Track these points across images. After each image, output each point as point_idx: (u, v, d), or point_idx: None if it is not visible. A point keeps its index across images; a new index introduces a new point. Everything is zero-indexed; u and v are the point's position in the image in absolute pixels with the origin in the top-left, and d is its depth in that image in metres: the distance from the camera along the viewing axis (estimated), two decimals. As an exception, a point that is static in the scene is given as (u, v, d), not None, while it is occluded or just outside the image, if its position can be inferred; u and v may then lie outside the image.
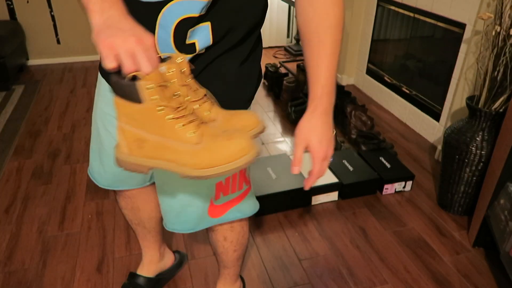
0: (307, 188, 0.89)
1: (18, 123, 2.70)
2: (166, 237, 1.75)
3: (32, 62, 3.76)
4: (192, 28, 0.76)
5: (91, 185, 2.08)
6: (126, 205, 1.27)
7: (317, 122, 0.84)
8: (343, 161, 2.13)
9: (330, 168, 2.07)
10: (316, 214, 1.90)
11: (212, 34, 0.77)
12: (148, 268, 1.46)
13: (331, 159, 0.89)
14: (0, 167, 2.23)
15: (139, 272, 1.46)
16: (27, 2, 3.52)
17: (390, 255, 1.68)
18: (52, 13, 3.62)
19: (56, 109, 2.90)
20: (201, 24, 0.76)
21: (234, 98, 0.90)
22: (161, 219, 1.29)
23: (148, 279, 1.45)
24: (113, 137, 0.99)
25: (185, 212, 1.02)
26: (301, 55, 3.99)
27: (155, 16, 0.74)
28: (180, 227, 1.05)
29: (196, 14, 0.74)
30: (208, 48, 0.81)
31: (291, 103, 2.72)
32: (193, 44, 0.77)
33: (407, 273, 1.60)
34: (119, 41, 0.60)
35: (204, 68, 0.84)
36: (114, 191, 1.25)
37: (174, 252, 1.59)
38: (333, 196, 1.99)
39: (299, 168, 0.84)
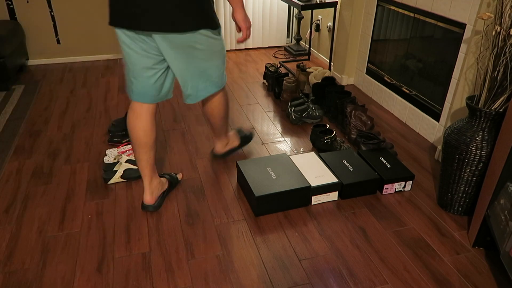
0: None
1: (18, 123, 2.70)
2: (165, 234, 1.75)
3: (32, 62, 3.76)
4: None
5: (91, 185, 2.08)
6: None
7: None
8: (343, 161, 2.13)
9: (330, 168, 2.07)
10: (316, 214, 1.91)
11: None
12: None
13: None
14: (0, 167, 2.23)
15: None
16: (27, 2, 3.52)
17: (390, 255, 1.68)
18: (52, 13, 3.62)
19: (56, 109, 2.90)
20: None
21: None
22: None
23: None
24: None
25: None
26: (301, 55, 4.00)
27: None
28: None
29: None
30: None
31: (291, 103, 2.72)
32: None
33: (407, 273, 1.60)
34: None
35: None
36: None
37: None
38: (333, 196, 1.99)
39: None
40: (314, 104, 2.83)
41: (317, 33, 3.99)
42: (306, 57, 4.02)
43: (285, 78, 2.93)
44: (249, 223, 1.84)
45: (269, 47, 4.31)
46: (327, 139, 2.35)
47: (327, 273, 1.59)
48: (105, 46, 3.87)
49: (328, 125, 2.47)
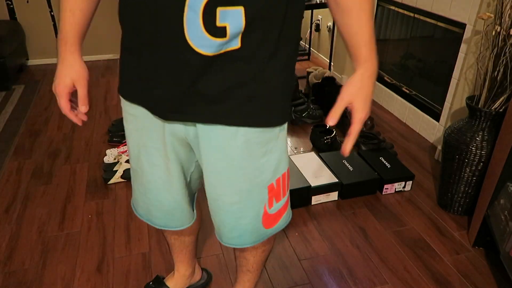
0: (346, 154, 0.87)
1: (18, 123, 2.70)
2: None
3: (32, 62, 3.76)
4: (223, 8, 0.71)
5: (91, 185, 2.08)
6: (169, 237, 1.28)
7: (367, 83, 0.86)
8: (343, 161, 2.13)
9: (330, 168, 2.07)
10: (316, 214, 1.90)
11: (245, 18, 0.73)
12: (177, 282, 1.42)
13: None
14: (0, 167, 2.23)
15: (167, 282, 1.42)
16: (27, 2, 3.52)
17: (390, 255, 1.68)
18: (52, 13, 3.62)
19: (56, 109, 2.90)
20: (233, 7, 0.72)
21: (279, 108, 0.88)
22: (198, 233, 1.33)
23: None
24: (161, 169, 0.98)
25: (239, 226, 0.99)
26: (301, 55, 4.00)
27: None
28: (236, 241, 1.02)
29: None
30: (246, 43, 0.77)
31: (291, 103, 2.72)
32: (224, 28, 0.73)
33: (407, 273, 1.60)
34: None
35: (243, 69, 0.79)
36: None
37: (202, 269, 1.54)
38: (333, 196, 1.99)
39: (335, 121, 0.85)
40: (314, 104, 2.83)
41: (317, 33, 3.99)
42: (306, 57, 4.01)
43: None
44: (249, 223, 1.84)
45: (269, 47, 4.30)
46: (327, 139, 2.35)
47: (327, 273, 1.59)
48: (105, 46, 3.87)
49: (328, 125, 2.46)
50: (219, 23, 0.72)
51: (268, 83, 0.82)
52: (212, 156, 0.90)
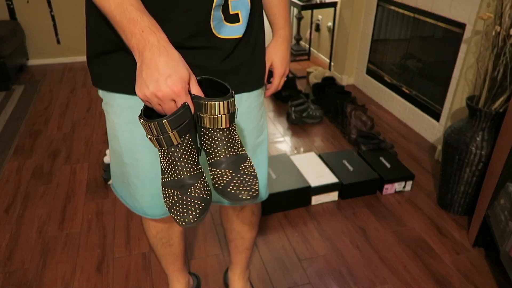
0: (266, 96, 1.09)
1: (18, 123, 2.70)
2: (166, 237, 1.75)
3: (32, 62, 3.76)
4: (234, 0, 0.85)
5: (91, 185, 2.08)
6: (155, 235, 1.22)
7: (281, 46, 1.06)
8: (343, 161, 2.13)
9: (330, 168, 2.07)
10: (316, 214, 1.90)
11: (250, 5, 0.88)
12: None
13: (285, 78, 1.11)
14: (0, 167, 2.23)
15: None
16: (27, 2, 3.52)
17: (390, 255, 1.68)
18: (52, 13, 3.62)
19: (56, 109, 2.90)
20: None
21: (264, 69, 1.03)
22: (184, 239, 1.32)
23: None
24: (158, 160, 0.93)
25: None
26: (301, 55, 4.00)
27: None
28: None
29: None
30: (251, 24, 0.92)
31: (291, 103, 2.72)
32: (237, 14, 0.87)
33: (407, 273, 1.60)
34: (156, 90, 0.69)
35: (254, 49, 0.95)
36: (144, 220, 1.18)
37: (190, 274, 1.54)
38: (333, 196, 1.99)
39: (265, 80, 1.05)
40: (314, 104, 2.83)
41: (317, 33, 3.99)
42: (306, 57, 4.01)
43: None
44: (249, 223, 1.84)
45: (269, 47, 4.30)
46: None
47: (327, 273, 1.59)
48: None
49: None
50: (232, 11, 0.86)
51: (259, 52, 0.98)
52: None
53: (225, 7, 0.84)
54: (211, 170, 0.80)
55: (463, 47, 2.18)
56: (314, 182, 1.94)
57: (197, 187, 0.77)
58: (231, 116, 0.75)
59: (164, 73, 0.69)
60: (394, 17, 2.78)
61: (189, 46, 0.83)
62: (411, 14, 2.60)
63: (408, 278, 1.58)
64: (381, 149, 2.26)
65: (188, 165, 0.75)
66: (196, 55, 0.85)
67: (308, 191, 1.92)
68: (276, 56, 1.05)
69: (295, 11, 4.24)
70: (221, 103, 0.72)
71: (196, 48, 0.84)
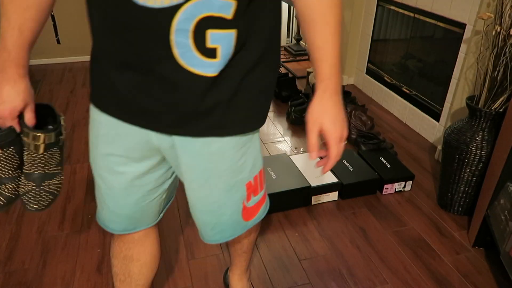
0: (323, 173, 0.89)
1: (18, 123, 2.70)
2: (165, 234, 1.75)
3: (32, 62, 3.76)
4: (214, 30, 0.71)
5: (91, 185, 2.08)
6: (119, 253, 1.12)
7: (328, 103, 0.82)
8: (343, 161, 2.13)
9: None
10: (316, 214, 1.90)
11: (235, 42, 0.74)
12: None
13: (345, 141, 0.87)
14: (0, 167, 2.23)
15: None
16: (27, 2, 3.52)
17: (390, 255, 1.68)
18: (52, 13, 3.62)
19: (56, 109, 2.89)
20: (226, 31, 0.72)
21: (257, 115, 0.89)
22: (151, 279, 1.19)
23: None
24: (126, 177, 0.94)
25: (220, 223, 0.99)
26: (301, 55, 4.00)
27: (168, 21, 0.69)
28: (218, 237, 1.02)
29: (216, 14, 0.70)
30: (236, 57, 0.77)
31: (291, 103, 2.72)
32: (215, 49, 0.73)
33: (407, 273, 1.60)
34: None
35: (243, 78, 0.80)
36: (112, 236, 1.12)
37: None
38: (333, 196, 1.99)
39: (316, 154, 0.85)
40: (314, 104, 2.83)
41: (317, 33, 3.99)
42: (306, 57, 4.02)
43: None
44: (249, 223, 1.84)
45: (269, 47, 4.30)
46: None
47: (327, 273, 1.59)
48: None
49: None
50: (209, 45, 0.72)
51: (249, 93, 0.82)
52: (189, 164, 0.89)
53: (199, 36, 0.71)
54: (22, 178, 0.93)
55: (463, 47, 2.18)
56: (314, 182, 1.94)
57: (8, 187, 0.92)
58: (48, 145, 0.92)
59: (0, 99, 0.83)
60: (394, 17, 2.78)
61: (149, 71, 0.75)
62: (411, 14, 2.60)
63: (408, 278, 1.58)
64: (381, 149, 2.26)
65: (6, 169, 0.90)
66: (156, 85, 0.77)
67: (308, 191, 1.92)
68: (326, 117, 0.82)
69: (295, 11, 4.24)
70: (41, 135, 0.89)
71: (159, 78, 0.75)
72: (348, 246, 1.72)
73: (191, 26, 0.69)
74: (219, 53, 0.73)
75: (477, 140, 1.71)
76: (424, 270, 1.61)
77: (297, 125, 2.71)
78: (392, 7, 2.77)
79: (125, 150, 0.90)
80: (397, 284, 1.55)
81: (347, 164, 2.10)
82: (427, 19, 2.46)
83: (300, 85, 3.35)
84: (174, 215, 1.87)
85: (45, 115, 0.97)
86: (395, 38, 2.82)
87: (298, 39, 4.10)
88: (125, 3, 0.69)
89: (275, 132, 2.62)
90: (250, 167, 0.94)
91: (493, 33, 1.68)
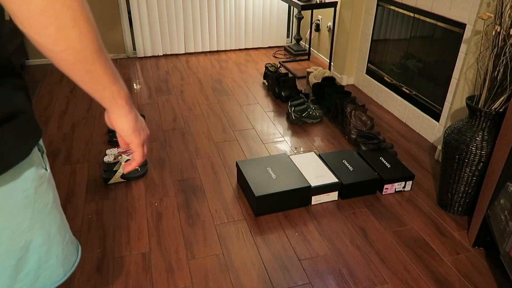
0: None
1: (18, 123, 2.70)
2: (165, 234, 1.75)
3: (32, 62, 3.76)
4: None
5: (91, 185, 2.08)
6: None
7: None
8: (343, 161, 2.13)
9: (330, 168, 2.07)
10: (316, 214, 1.90)
11: None
12: None
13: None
14: (0, 167, 2.23)
15: None
16: (27, 2, 3.52)
17: (390, 255, 1.68)
18: (52, 13, 3.62)
19: (56, 109, 2.90)
20: None
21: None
22: None
23: None
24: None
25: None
26: (301, 55, 4.00)
27: None
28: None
29: None
30: None
31: (291, 103, 2.72)
32: None
33: (407, 273, 1.60)
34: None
35: None
36: None
37: None
38: (333, 196, 1.99)
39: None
40: (314, 104, 2.83)
41: (317, 33, 3.99)
42: (306, 57, 4.01)
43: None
44: (249, 223, 1.84)
45: (269, 47, 4.30)
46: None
47: (327, 273, 1.59)
48: (105, 46, 3.87)
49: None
50: None
51: None
52: None
53: None
54: None
55: (463, 47, 2.18)
56: (314, 182, 1.94)
57: None
58: None
59: (144, 126, 0.86)
60: (394, 17, 2.78)
61: None
62: (411, 14, 2.60)
63: (408, 278, 1.58)
64: (381, 149, 2.26)
65: None
66: None
67: (308, 191, 1.92)
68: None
69: (295, 11, 4.24)
70: None
71: None
72: (348, 246, 1.72)
73: None
74: None
75: (477, 140, 1.71)
76: (424, 270, 1.61)
77: (297, 125, 2.71)
78: (392, 7, 2.77)
79: None
80: (397, 284, 1.55)
81: (347, 164, 2.10)
82: (427, 19, 2.46)
83: (300, 85, 3.35)
84: (174, 215, 1.88)
85: None
86: (395, 38, 2.82)
87: (298, 39, 4.10)
88: None
89: (275, 132, 2.62)
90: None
91: (493, 33, 1.68)
